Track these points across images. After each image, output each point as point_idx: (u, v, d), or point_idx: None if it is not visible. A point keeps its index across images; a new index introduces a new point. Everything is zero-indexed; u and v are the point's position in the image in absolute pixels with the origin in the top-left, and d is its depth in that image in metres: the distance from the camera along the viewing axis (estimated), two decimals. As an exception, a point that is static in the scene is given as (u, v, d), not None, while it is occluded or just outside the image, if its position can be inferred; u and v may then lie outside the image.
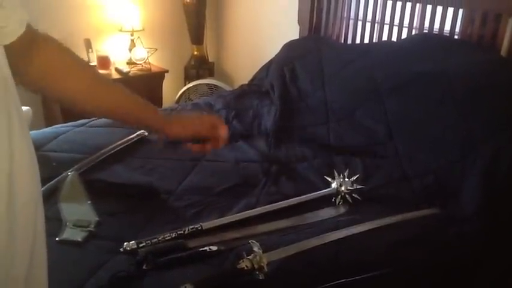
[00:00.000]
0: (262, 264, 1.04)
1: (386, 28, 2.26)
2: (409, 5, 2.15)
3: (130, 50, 2.94)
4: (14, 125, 0.52)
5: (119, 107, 0.87)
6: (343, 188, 1.43)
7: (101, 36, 2.93)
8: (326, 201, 1.43)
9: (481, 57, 1.81)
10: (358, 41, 2.44)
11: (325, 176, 1.50)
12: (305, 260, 1.13)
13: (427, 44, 1.99)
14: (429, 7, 2.06)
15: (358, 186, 1.45)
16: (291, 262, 1.11)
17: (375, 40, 2.34)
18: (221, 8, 3.35)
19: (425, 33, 2.09)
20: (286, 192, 1.48)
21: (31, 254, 0.57)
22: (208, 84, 2.98)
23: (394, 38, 2.24)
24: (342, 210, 1.40)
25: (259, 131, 1.95)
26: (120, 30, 2.90)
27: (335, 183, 1.45)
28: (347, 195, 1.43)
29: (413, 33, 2.17)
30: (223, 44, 3.44)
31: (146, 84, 2.84)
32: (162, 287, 1.04)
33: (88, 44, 2.78)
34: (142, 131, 1.81)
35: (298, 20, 2.64)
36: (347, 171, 1.48)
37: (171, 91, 3.13)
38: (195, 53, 3.25)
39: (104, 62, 2.76)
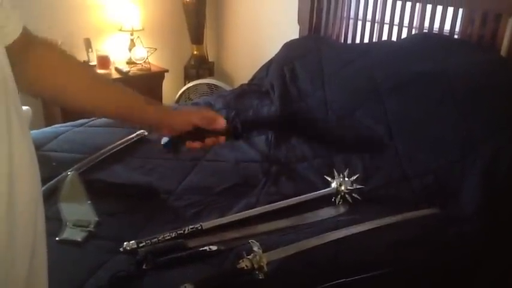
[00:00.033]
0: (262, 264, 1.04)
1: (386, 28, 2.26)
2: (409, 4, 2.15)
3: (130, 49, 2.94)
4: (14, 125, 0.52)
5: (120, 107, 0.87)
6: (343, 188, 1.43)
7: (101, 35, 2.93)
8: (326, 201, 1.43)
9: (481, 57, 1.81)
10: (358, 40, 2.44)
11: (325, 176, 1.50)
12: (305, 259, 1.13)
13: (427, 43, 1.99)
14: (429, 7, 2.06)
15: (358, 186, 1.45)
16: (290, 262, 1.11)
17: (374, 40, 2.34)
18: (221, 8, 3.35)
19: (425, 33, 2.09)
20: (286, 192, 1.48)
21: (31, 254, 0.57)
22: (208, 83, 2.98)
23: (394, 38, 2.24)
24: (342, 210, 1.40)
25: (259, 132, 1.95)
26: (120, 30, 2.90)
27: (335, 183, 1.45)
28: (347, 195, 1.43)
29: (413, 32, 2.17)
30: (223, 44, 3.44)
31: (146, 83, 2.84)
32: (162, 287, 1.04)
33: (88, 44, 2.79)
34: (142, 130, 1.81)
35: (298, 20, 2.64)
36: (347, 171, 1.48)
37: (171, 91, 3.13)
38: (195, 52, 3.25)
39: (104, 61, 2.76)
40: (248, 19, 3.16)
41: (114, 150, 1.68)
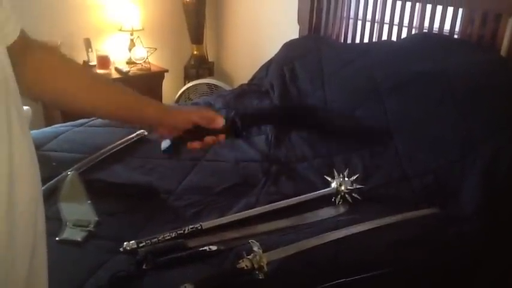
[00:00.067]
0: (262, 263, 1.04)
1: (386, 27, 2.26)
2: (408, 4, 2.15)
3: (130, 49, 2.94)
4: (15, 125, 0.52)
5: (120, 107, 0.87)
6: (343, 188, 1.43)
7: (101, 35, 2.92)
8: (326, 201, 1.43)
9: (481, 57, 1.81)
10: (358, 40, 2.43)
11: (325, 176, 1.50)
12: (305, 259, 1.13)
13: (426, 43, 1.99)
14: (429, 6, 2.06)
15: (358, 186, 1.45)
16: (290, 262, 1.11)
17: (374, 40, 2.34)
18: (221, 8, 3.35)
19: (425, 32, 2.09)
20: (285, 192, 1.48)
21: (31, 254, 0.57)
22: (208, 83, 2.98)
23: (393, 38, 2.23)
24: (342, 210, 1.40)
25: (259, 131, 1.95)
26: (120, 30, 2.90)
27: (335, 183, 1.45)
28: (347, 195, 1.43)
29: (413, 32, 2.17)
30: (223, 44, 3.44)
31: (146, 83, 2.84)
32: (162, 287, 1.04)
33: (88, 44, 2.79)
34: (142, 130, 1.81)
35: (298, 20, 2.64)
36: (347, 170, 1.49)
37: (170, 91, 3.13)
38: (195, 52, 3.25)
39: (104, 61, 2.76)
40: (248, 19, 3.16)
41: (114, 150, 1.68)
